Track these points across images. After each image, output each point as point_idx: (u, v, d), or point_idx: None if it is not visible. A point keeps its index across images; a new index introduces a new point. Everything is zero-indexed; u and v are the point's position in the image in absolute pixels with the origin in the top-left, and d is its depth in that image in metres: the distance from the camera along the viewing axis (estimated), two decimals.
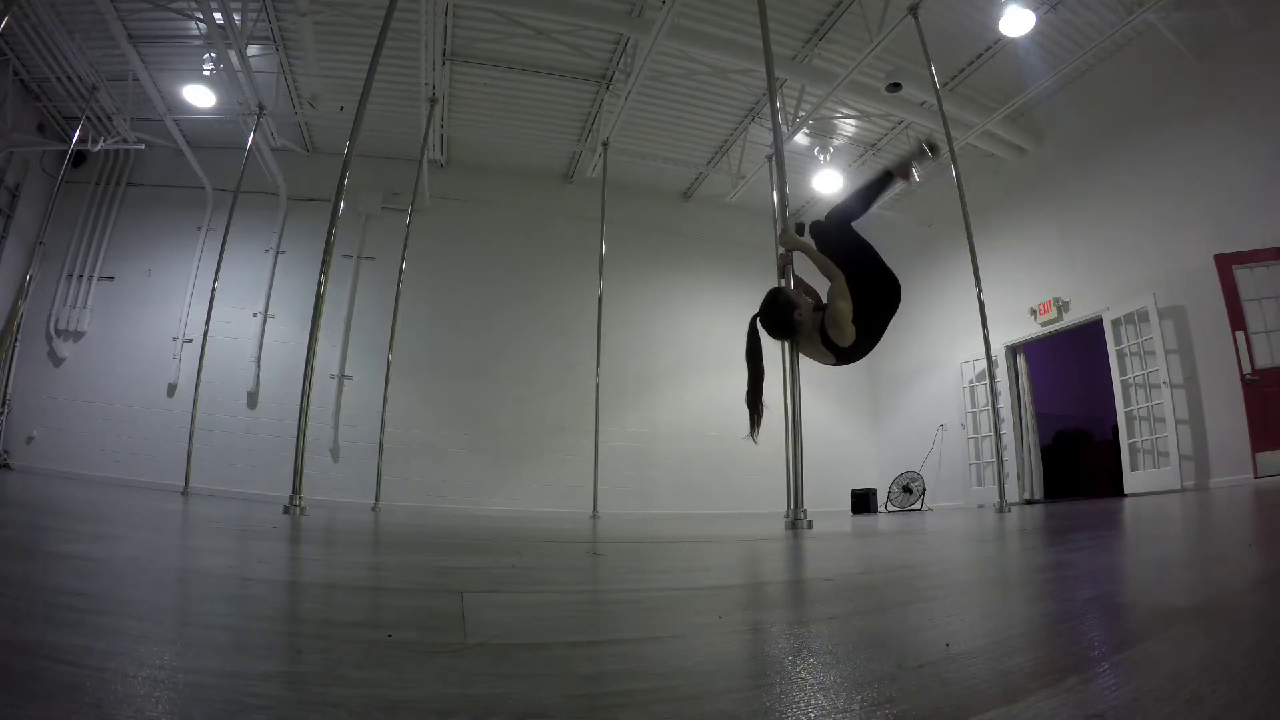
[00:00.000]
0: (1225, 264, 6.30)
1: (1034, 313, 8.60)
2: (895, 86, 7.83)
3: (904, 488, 9.20)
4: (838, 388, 10.57)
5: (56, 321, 8.83)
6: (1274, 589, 1.12)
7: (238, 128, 8.57)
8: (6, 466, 8.14)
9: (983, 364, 7.97)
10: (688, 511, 8.88)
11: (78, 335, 8.89)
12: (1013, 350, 9.00)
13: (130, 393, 8.70)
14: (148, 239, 9.29)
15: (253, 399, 9.01)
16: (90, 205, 9.24)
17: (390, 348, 7.41)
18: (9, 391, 8.48)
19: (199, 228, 9.37)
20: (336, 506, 6.60)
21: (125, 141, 8.61)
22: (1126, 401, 7.35)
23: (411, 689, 0.56)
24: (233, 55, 7.27)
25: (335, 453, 8.94)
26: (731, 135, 9.67)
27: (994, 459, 6.67)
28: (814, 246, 3.52)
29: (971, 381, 9.41)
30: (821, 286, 3.54)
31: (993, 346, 6.28)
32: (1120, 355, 7.45)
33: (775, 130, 4.53)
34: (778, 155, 4.49)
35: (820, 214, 3.84)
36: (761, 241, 9.88)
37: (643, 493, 9.46)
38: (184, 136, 8.99)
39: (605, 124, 8.86)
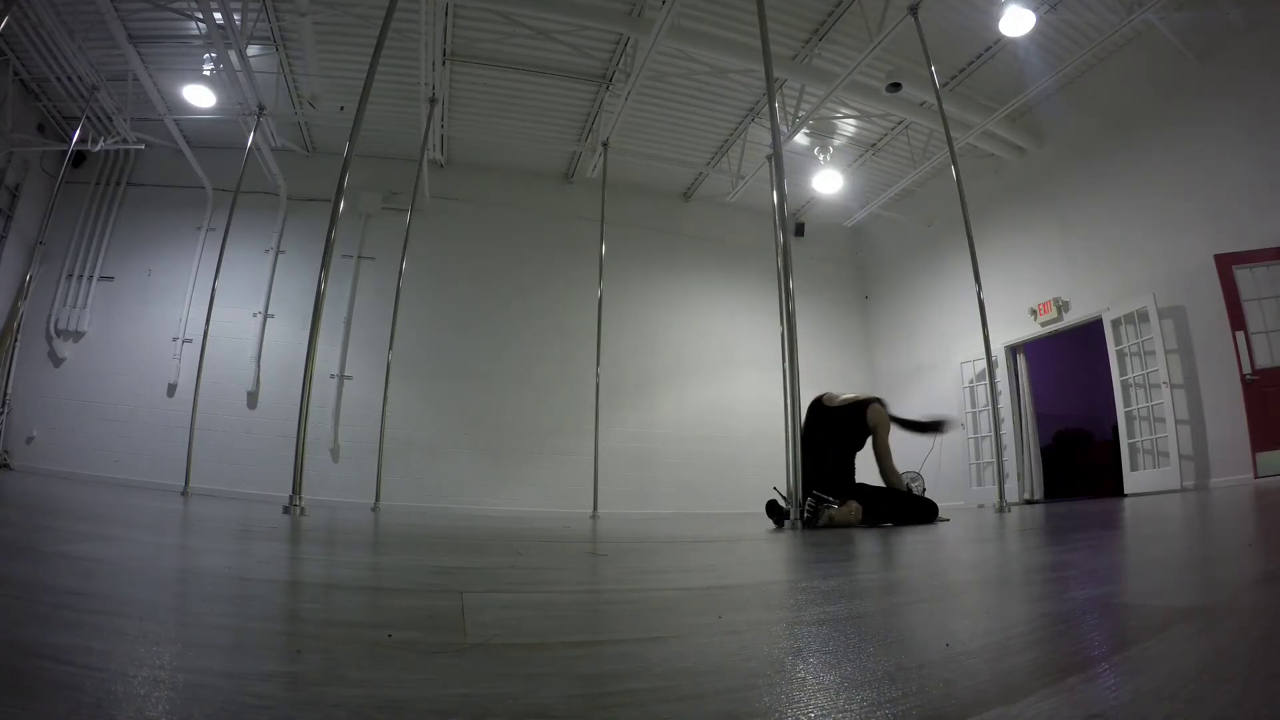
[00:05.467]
0: (1225, 264, 6.30)
1: (1034, 313, 8.60)
2: (895, 86, 7.83)
3: None
4: (837, 388, 10.56)
5: (56, 321, 8.83)
6: (1273, 589, 1.12)
7: (238, 128, 8.56)
8: (6, 466, 8.14)
9: (983, 364, 7.96)
10: (688, 511, 8.87)
11: (78, 335, 8.89)
12: (1013, 350, 9.00)
13: (130, 393, 8.70)
14: (148, 239, 9.29)
15: (253, 399, 9.01)
16: (90, 205, 9.24)
17: (390, 348, 7.40)
18: (9, 391, 8.48)
19: (199, 228, 9.37)
20: (336, 506, 6.60)
21: (125, 141, 8.61)
22: (1126, 401, 7.35)
23: (411, 689, 0.56)
24: (233, 55, 7.27)
25: (335, 453, 8.94)
26: (731, 135, 9.67)
27: (994, 459, 6.67)
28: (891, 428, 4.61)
29: (971, 381, 9.41)
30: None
31: (993, 346, 6.27)
32: (1120, 355, 7.44)
33: (774, 130, 4.52)
34: (776, 155, 4.48)
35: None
36: (761, 242, 9.88)
37: (643, 493, 9.45)
38: (184, 136, 8.99)
39: (605, 124, 8.85)
